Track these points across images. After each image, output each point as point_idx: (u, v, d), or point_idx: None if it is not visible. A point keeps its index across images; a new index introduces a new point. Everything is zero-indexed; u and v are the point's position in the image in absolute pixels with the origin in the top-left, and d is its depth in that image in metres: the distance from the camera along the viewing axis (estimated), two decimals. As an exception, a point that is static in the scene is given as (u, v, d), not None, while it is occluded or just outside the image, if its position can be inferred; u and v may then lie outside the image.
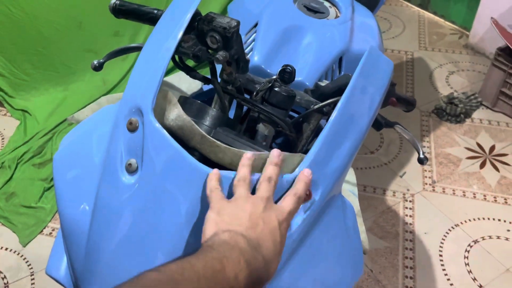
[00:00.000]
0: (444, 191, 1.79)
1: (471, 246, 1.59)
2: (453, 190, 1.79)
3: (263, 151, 0.62)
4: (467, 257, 1.55)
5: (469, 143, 2.00)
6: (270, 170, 0.56)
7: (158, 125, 0.58)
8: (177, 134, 0.61)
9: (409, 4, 3.03)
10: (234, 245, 0.46)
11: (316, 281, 0.59)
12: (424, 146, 1.99)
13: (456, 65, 2.48)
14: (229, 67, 0.71)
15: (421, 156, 0.85)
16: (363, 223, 0.70)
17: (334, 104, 0.77)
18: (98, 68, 0.82)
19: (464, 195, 1.77)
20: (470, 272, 1.51)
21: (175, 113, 0.61)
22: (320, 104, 0.74)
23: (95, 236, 0.59)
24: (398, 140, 2.02)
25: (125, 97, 0.62)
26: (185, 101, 0.68)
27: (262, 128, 0.77)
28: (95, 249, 0.58)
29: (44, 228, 1.64)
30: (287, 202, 0.54)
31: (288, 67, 0.75)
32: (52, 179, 1.79)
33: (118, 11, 0.79)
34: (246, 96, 0.80)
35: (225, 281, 0.42)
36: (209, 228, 0.49)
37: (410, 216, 1.70)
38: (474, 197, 1.76)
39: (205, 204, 0.55)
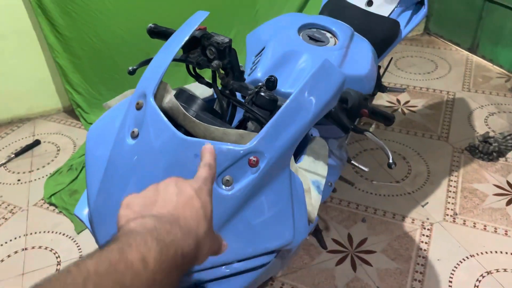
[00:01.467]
0: (464, 223, 1.82)
1: (483, 277, 1.60)
2: (474, 223, 1.82)
3: (226, 127, 0.82)
4: (478, 286, 1.57)
5: (499, 181, 2.01)
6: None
7: (154, 104, 0.80)
8: (169, 114, 0.83)
9: (458, 48, 3.11)
10: (140, 229, 0.42)
11: (255, 239, 0.75)
12: (451, 180, 2.04)
13: (498, 107, 2.50)
14: (222, 72, 0.93)
15: (390, 161, 0.99)
16: (315, 199, 0.84)
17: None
18: (132, 72, 1.08)
19: (485, 228, 1.79)
20: (477, 300, 1.53)
21: (168, 98, 0.84)
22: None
23: (105, 179, 0.81)
24: (425, 173, 2.09)
25: (138, 86, 0.86)
26: (179, 91, 0.90)
27: (249, 125, 0.96)
28: (103, 189, 0.81)
29: (96, 220, 1.92)
30: (201, 171, 0.54)
31: (272, 77, 0.94)
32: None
33: (152, 32, 1.06)
34: (242, 99, 1.00)
35: (126, 269, 0.37)
36: (119, 220, 0.47)
37: (426, 243, 1.75)
38: (495, 231, 1.78)
39: (178, 163, 0.76)
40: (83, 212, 0.89)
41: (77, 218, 0.89)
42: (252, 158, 0.75)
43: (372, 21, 1.59)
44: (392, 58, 2.64)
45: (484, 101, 2.57)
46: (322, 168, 0.97)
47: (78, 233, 1.87)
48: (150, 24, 1.06)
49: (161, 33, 1.04)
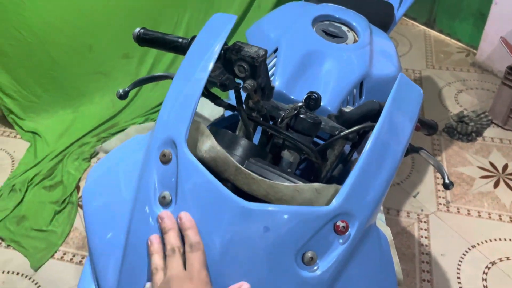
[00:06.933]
0: (458, 212, 1.77)
1: (488, 268, 1.56)
2: (468, 211, 1.77)
3: (298, 182, 0.61)
4: (485, 279, 1.53)
5: (482, 162, 1.98)
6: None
7: (193, 157, 0.57)
8: (209, 166, 0.60)
9: (415, 23, 3.06)
10: None
11: None
12: (436, 166, 1.97)
13: (464, 84, 2.48)
14: (256, 95, 0.71)
15: (447, 181, 0.84)
16: (396, 253, 0.69)
17: (360, 131, 0.77)
18: (123, 96, 0.82)
19: (479, 215, 1.75)
20: (489, 295, 1.48)
21: (208, 144, 0.61)
22: (348, 131, 0.74)
23: (128, 268, 0.58)
24: (409, 160, 2.01)
25: (158, 129, 0.62)
26: (216, 132, 0.67)
27: (287, 155, 0.76)
28: (128, 282, 0.57)
29: (56, 252, 1.63)
30: (189, 259, 0.55)
31: (314, 94, 0.74)
32: (63, 202, 1.79)
33: (142, 40, 0.80)
34: (270, 122, 0.79)
35: None
36: None
37: (426, 237, 1.67)
38: (489, 217, 1.74)
39: (240, 237, 0.54)
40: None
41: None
42: (339, 223, 0.56)
43: (366, 4, 1.42)
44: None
45: (450, 78, 2.54)
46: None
47: (36, 270, 1.57)
48: (138, 29, 0.80)
49: (155, 41, 0.78)
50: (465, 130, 2.09)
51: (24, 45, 2.02)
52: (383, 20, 1.43)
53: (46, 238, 1.67)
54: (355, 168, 0.58)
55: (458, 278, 1.54)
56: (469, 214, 1.76)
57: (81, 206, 1.80)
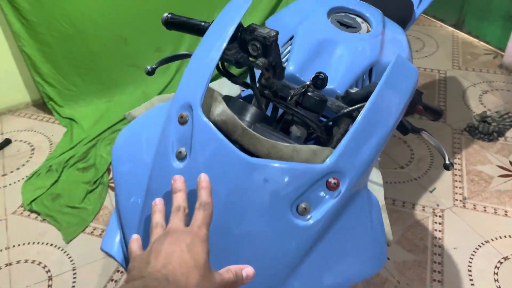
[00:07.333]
0: (475, 208, 1.79)
1: (501, 263, 1.58)
2: (484, 207, 1.79)
3: (295, 143, 0.69)
4: (497, 273, 1.55)
5: (502, 162, 1.99)
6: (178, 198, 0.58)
7: (205, 119, 0.66)
8: (221, 128, 0.69)
9: (443, 25, 3.06)
10: None
11: (337, 272, 0.65)
12: (455, 163, 2.00)
13: (490, 85, 2.48)
14: (267, 72, 0.79)
15: (447, 162, 0.89)
16: (387, 216, 0.74)
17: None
18: (151, 72, 0.92)
19: (496, 212, 1.76)
20: (500, 288, 1.50)
21: (220, 109, 0.69)
22: (349, 109, 0.81)
23: (147, 214, 0.67)
24: (428, 157, 2.04)
25: (177, 95, 0.71)
26: (228, 100, 0.76)
27: (295, 130, 0.84)
28: (147, 226, 0.66)
29: (86, 227, 1.75)
30: (196, 215, 0.55)
31: (321, 74, 0.82)
32: (95, 182, 1.92)
33: (170, 23, 0.89)
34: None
35: None
36: (128, 271, 0.53)
37: (439, 231, 1.70)
38: (506, 214, 1.75)
39: (243, 187, 0.62)
40: (113, 247, 0.74)
41: (107, 253, 0.74)
42: (331, 180, 0.63)
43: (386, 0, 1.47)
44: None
45: (476, 79, 2.54)
46: (376, 175, 0.86)
47: (68, 242, 1.70)
48: (166, 14, 0.89)
49: (181, 25, 0.88)
50: (486, 130, 2.10)
51: (65, 37, 2.16)
52: (401, 16, 1.48)
53: (78, 214, 1.80)
54: (348, 133, 0.65)
55: (470, 271, 1.56)
56: (485, 210, 1.77)
57: (111, 187, 1.92)
